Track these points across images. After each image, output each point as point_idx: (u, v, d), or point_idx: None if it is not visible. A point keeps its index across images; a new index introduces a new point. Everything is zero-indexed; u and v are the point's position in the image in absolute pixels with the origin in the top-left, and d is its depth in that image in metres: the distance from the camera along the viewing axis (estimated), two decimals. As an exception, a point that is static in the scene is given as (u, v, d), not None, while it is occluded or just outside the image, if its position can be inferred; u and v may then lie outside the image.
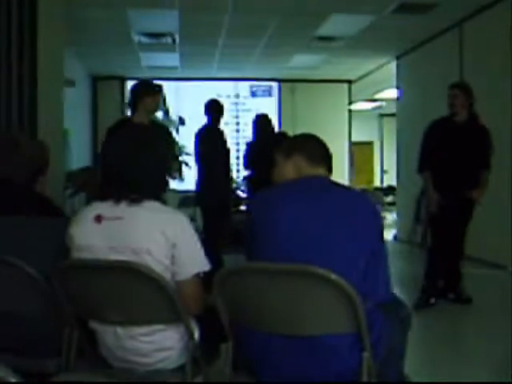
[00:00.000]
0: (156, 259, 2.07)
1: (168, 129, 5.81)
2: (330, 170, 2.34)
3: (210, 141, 6.19)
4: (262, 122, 7.09)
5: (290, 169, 2.31)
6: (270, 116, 7.29)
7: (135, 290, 2.09)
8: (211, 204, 6.15)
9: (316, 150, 2.34)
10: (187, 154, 10.08)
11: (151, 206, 2.15)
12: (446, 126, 5.11)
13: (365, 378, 1.91)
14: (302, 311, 1.93)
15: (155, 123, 5.23)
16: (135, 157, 2.16)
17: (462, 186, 4.97)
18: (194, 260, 2.15)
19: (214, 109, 6.22)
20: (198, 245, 2.17)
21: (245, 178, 8.34)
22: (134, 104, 4.69)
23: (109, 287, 2.11)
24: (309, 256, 1.98)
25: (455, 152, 4.96)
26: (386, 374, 2.16)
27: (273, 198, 2.20)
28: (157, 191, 2.23)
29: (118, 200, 2.13)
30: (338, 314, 1.91)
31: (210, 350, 2.30)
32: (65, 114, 6.09)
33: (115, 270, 2.08)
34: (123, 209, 2.12)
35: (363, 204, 2.14)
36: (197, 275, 2.18)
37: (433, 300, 5.22)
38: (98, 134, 11.03)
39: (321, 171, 2.30)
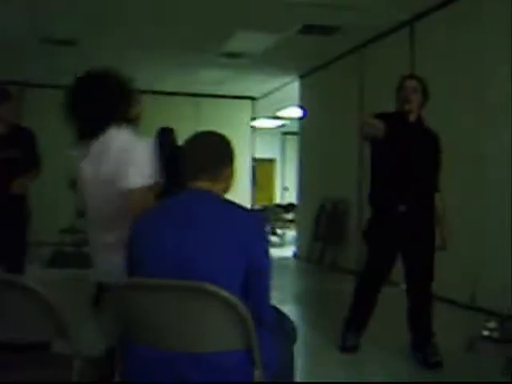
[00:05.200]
0: None
1: None
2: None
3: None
4: (165, 134, 7.04)
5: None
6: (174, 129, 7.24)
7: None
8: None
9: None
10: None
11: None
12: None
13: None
14: (192, 327, 1.88)
15: None
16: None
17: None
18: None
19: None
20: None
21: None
22: None
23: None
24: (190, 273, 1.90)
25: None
26: None
27: (154, 218, 2.08)
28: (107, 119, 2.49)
29: None
30: (228, 331, 1.87)
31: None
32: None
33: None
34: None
35: (247, 220, 2.01)
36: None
37: (356, 340, 4.15)
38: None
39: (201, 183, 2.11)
